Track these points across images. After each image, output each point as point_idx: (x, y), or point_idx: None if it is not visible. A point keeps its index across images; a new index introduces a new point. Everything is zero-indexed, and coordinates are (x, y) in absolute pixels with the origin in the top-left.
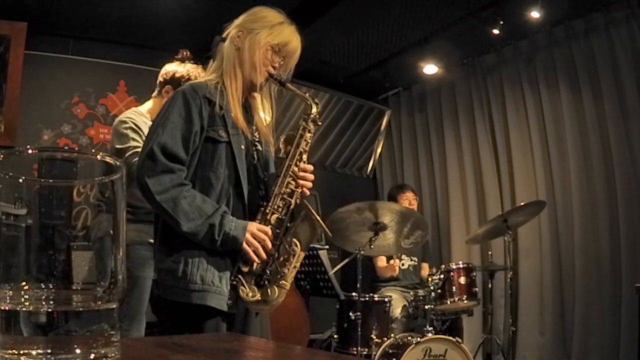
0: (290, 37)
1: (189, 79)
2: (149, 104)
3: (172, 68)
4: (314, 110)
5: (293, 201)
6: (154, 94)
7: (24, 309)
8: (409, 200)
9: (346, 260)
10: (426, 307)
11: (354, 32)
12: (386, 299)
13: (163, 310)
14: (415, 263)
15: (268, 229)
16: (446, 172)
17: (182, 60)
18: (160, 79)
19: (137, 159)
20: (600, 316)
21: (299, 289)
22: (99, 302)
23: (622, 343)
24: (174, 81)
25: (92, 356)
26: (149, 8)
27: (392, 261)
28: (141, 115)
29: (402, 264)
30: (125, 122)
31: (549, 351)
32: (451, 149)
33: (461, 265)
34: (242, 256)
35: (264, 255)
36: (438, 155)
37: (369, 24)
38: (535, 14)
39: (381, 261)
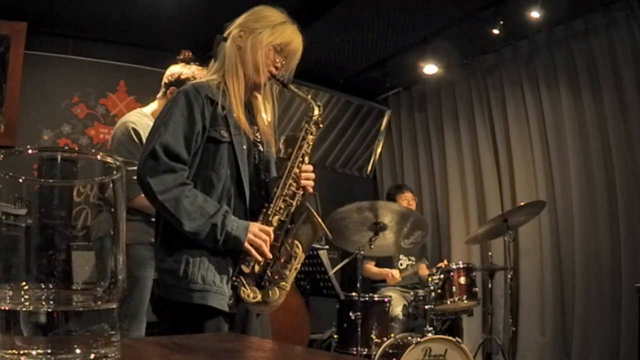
0: (293, 37)
1: None
2: (153, 105)
3: (178, 70)
4: (316, 112)
5: (294, 203)
6: (159, 95)
7: (24, 309)
8: (407, 200)
9: (346, 260)
10: (426, 307)
11: (354, 32)
12: (386, 299)
13: (164, 310)
14: (414, 263)
15: (270, 229)
16: (446, 172)
17: (187, 62)
18: (165, 80)
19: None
20: (600, 316)
21: (299, 289)
22: (99, 302)
23: (622, 343)
24: (179, 83)
25: (92, 356)
26: (149, 8)
27: (391, 273)
28: (145, 117)
29: (401, 264)
30: (126, 127)
31: (549, 351)
32: (451, 149)
33: (461, 265)
34: (243, 257)
35: (267, 253)
36: (438, 155)
37: (369, 24)
38: (535, 14)
39: (369, 264)
